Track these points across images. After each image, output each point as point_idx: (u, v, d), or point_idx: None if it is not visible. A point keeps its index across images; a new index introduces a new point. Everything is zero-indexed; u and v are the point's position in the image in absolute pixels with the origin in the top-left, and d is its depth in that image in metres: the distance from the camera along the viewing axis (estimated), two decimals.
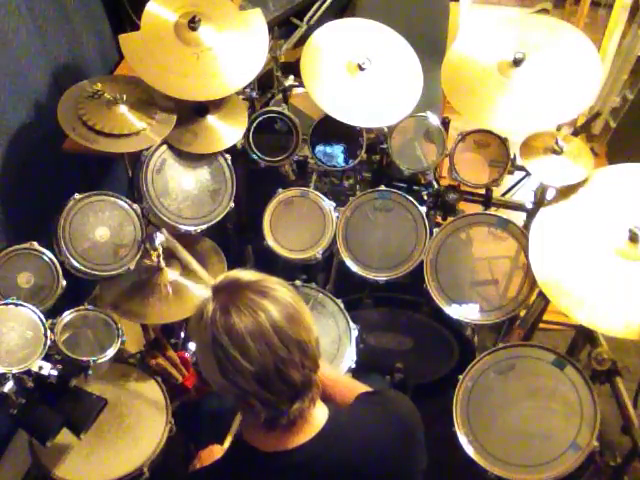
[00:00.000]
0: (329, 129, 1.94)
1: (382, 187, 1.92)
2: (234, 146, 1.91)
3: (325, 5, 2.58)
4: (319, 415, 1.10)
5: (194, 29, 1.80)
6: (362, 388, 1.34)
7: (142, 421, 1.68)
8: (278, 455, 1.06)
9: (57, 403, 1.46)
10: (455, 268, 1.84)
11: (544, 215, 1.70)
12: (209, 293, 1.04)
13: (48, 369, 1.42)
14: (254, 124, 1.94)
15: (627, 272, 1.53)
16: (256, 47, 1.87)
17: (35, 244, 1.59)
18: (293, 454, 1.06)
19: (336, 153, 1.99)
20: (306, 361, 1.01)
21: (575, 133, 1.96)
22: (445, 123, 1.95)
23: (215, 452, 1.45)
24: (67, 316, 1.55)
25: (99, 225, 1.70)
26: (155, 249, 1.75)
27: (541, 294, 1.76)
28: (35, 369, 1.40)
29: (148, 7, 1.80)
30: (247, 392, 1.00)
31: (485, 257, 1.86)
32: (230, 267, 1.92)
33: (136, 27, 1.89)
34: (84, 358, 1.48)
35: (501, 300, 1.79)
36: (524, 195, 2.10)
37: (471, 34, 1.88)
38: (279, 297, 1.01)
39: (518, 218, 1.90)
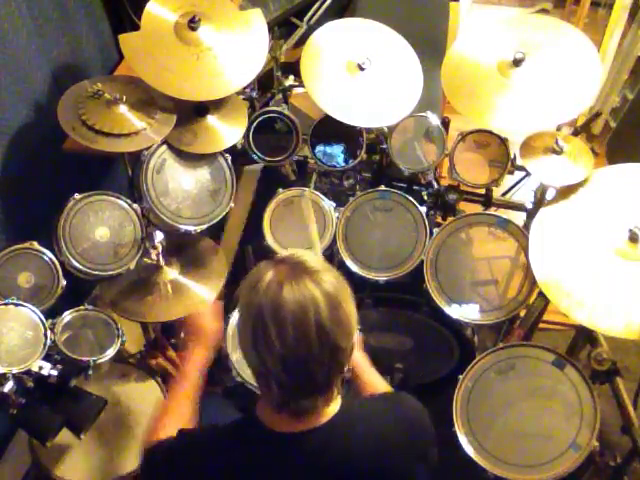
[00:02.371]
0: (329, 129, 1.94)
1: (382, 187, 1.92)
2: (234, 146, 1.91)
3: (325, 5, 2.58)
4: (331, 406, 1.10)
5: (194, 29, 1.80)
6: (384, 387, 1.38)
7: (142, 421, 1.68)
8: (283, 436, 1.07)
9: (57, 403, 1.47)
10: (455, 268, 1.84)
11: (544, 215, 1.70)
12: (272, 261, 1.04)
13: (48, 369, 1.42)
14: (254, 124, 1.94)
15: (627, 272, 1.53)
16: (256, 47, 1.87)
17: (35, 244, 1.59)
18: (300, 437, 1.06)
19: (336, 153, 1.99)
20: (333, 364, 1.01)
21: (575, 133, 1.96)
22: (445, 123, 1.95)
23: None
24: (67, 316, 1.55)
25: (99, 225, 1.70)
26: (154, 247, 1.75)
27: (541, 294, 1.76)
28: (35, 369, 1.40)
29: (148, 7, 1.80)
30: (269, 371, 1.00)
31: (485, 257, 1.86)
32: (230, 267, 1.92)
33: (136, 27, 1.89)
34: (84, 358, 1.49)
35: (501, 300, 1.79)
36: (524, 195, 2.10)
37: (471, 34, 1.89)
38: (333, 295, 0.99)
39: (518, 218, 1.90)
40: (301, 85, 1.99)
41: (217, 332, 1.56)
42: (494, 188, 1.93)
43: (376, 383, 1.40)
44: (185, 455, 1.12)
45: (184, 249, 1.91)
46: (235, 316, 1.90)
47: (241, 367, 1.80)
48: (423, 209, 1.88)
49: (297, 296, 0.97)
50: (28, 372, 1.40)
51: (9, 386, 1.37)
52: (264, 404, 1.10)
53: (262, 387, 1.06)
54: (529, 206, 1.94)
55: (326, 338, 0.98)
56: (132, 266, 1.73)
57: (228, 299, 1.92)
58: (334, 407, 1.10)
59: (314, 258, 1.05)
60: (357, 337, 1.08)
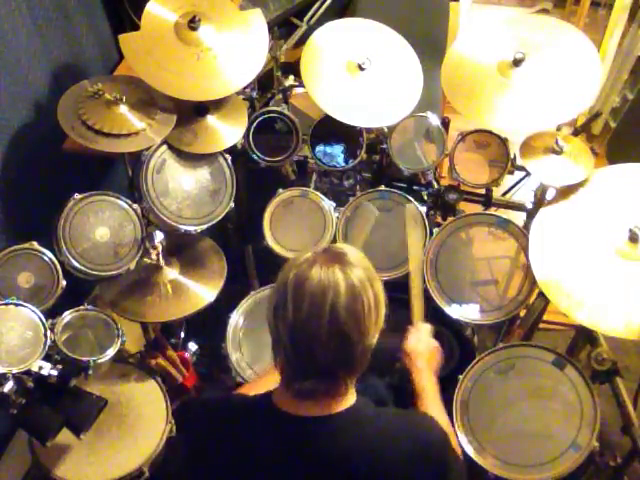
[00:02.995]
0: (329, 129, 1.94)
1: (382, 187, 1.92)
2: (234, 146, 1.91)
3: (325, 5, 2.58)
4: (339, 401, 1.09)
5: (194, 29, 1.80)
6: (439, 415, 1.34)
7: (142, 421, 1.68)
8: (286, 415, 1.09)
9: (57, 403, 1.46)
10: (455, 268, 1.84)
11: (544, 215, 1.70)
12: (321, 247, 1.10)
13: (48, 369, 1.42)
14: (254, 124, 1.94)
15: (627, 272, 1.53)
16: (256, 47, 1.87)
17: (35, 244, 1.59)
18: (300, 421, 1.08)
19: (336, 153, 1.99)
20: (339, 354, 1.03)
21: (575, 133, 1.96)
22: (445, 123, 1.96)
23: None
24: (67, 316, 1.55)
25: (99, 225, 1.70)
26: (154, 247, 1.75)
27: (541, 294, 1.76)
28: (35, 369, 1.40)
29: (148, 7, 1.80)
30: (280, 340, 1.04)
31: (485, 257, 1.86)
32: (230, 267, 1.92)
33: (136, 27, 1.89)
34: (84, 358, 1.48)
35: (501, 300, 1.79)
36: (524, 195, 2.10)
37: (471, 34, 1.89)
38: (357, 289, 1.02)
39: (518, 218, 1.90)
40: (301, 85, 1.99)
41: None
42: (494, 188, 1.94)
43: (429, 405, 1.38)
44: (198, 416, 1.20)
45: (184, 249, 1.92)
46: (235, 317, 1.91)
47: (241, 367, 1.81)
48: (423, 209, 1.88)
49: (322, 277, 1.01)
50: (28, 372, 1.40)
51: (9, 386, 1.37)
52: (280, 384, 1.12)
53: (275, 358, 1.09)
54: (529, 206, 1.95)
55: (337, 325, 1.00)
56: (132, 266, 1.73)
57: (229, 299, 1.92)
58: (344, 402, 1.10)
59: (357, 254, 1.09)
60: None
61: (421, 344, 1.56)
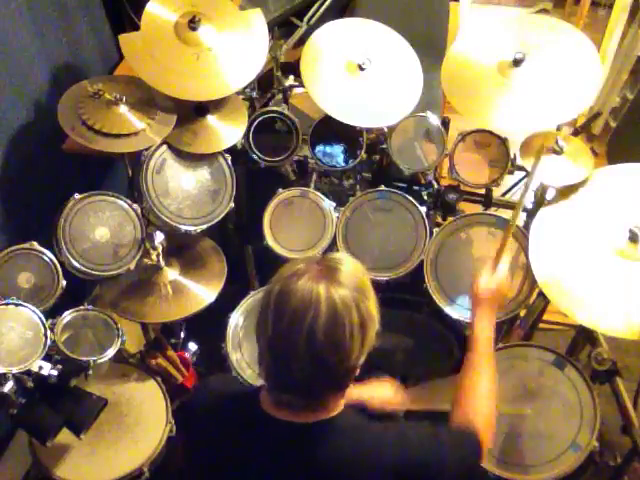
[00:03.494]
0: (329, 129, 1.94)
1: (382, 187, 1.92)
2: (234, 146, 1.91)
3: (325, 5, 2.58)
4: (321, 413, 1.07)
5: (194, 29, 1.80)
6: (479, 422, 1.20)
7: (142, 421, 1.68)
8: (264, 414, 1.08)
9: (57, 403, 1.47)
10: (455, 268, 1.84)
11: (544, 215, 1.70)
12: (316, 257, 1.07)
13: (48, 369, 1.42)
14: (254, 124, 1.94)
15: (627, 272, 1.53)
16: (256, 47, 1.87)
17: (35, 244, 1.59)
18: (278, 423, 1.06)
19: (336, 153, 1.99)
20: (317, 374, 1.00)
21: (575, 133, 1.96)
22: (445, 123, 1.95)
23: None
24: (67, 316, 1.55)
25: (99, 225, 1.70)
26: (155, 248, 1.75)
27: (541, 294, 1.76)
28: (35, 369, 1.40)
29: (148, 7, 1.80)
30: (262, 350, 1.03)
31: (485, 257, 1.85)
32: (230, 267, 1.92)
33: (136, 27, 1.89)
34: (84, 358, 1.49)
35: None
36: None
37: (471, 34, 1.88)
38: (339, 309, 0.97)
39: None
40: (301, 85, 1.99)
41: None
42: (494, 188, 1.93)
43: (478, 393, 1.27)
44: (195, 406, 1.21)
45: (184, 249, 1.92)
46: (235, 316, 1.91)
47: (241, 367, 1.80)
48: (423, 209, 1.88)
49: (305, 294, 0.97)
50: (28, 372, 1.40)
51: (9, 386, 1.37)
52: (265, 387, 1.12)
53: (259, 365, 1.08)
54: (529, 206, 1.94)
55: (313, 348, 0.97)
56: (132, 266, 1.73)
57: (229, 299, 1.92)
58: (323, 414, 1.07)
59: (352, 269, 1.03)
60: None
61: (492, 282, 1.43)
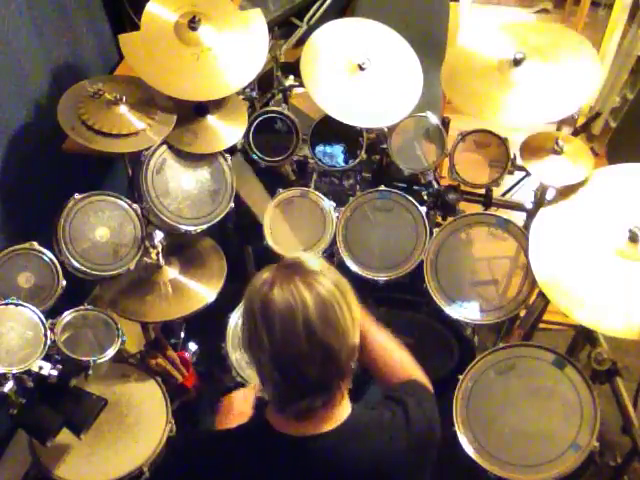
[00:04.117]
0: (329, 129, 1.94)
1: (382, 187, 1.92)
2: (234, 146, 1.91)
3: (325, 5, 2.58)
4: (338, 412, 1.08)
5: (194, 29, 1.80)
6: (413, 370, 1.30)
7: (142, 421, 1.68)
8: (289, 438, 1.06)
9: (57, 403, 1.47)
10: (455, 268, 1.84)
11: (544, 215, 1.70)
12: (275, 264, 1.05)
13: (48, 369, 1.42)
14: (254, 124, 1.94)
15: (627, 272, 1.53)
16: (256, 47, 1.87)
17: (35, 244, 1.59)
18: (304, 441, 1.05)
19: (336, 153, 1.99)
20: (329, 364, 1.00)
21: (575, 133, 1.96)
22: (445, 123, 1.95)
23: (235, 399, 1.44)
24: (67, 316, 1.55)
25: (99, 225, 1.70)
26: (155, 246, 1.75)
27: (541, 294, 1.76)
28: (35, 369, 1.40)
29: (148, 7, 1.80)
30: (263, 369, 1.01)
31: (485, 257, 1.86)
32: (230, 267, 1.92)
33: (136, 27, 1.89)
34: (84, 358, 1.48)
35: (501, 300, 1.79)
36: (524, 195, 2.10)
37: (471, 34, 1.88)
38: (323, 295, 0.99)
39: (518, 218, 1.90)
40: (301, 85, 1.99)
41: (244, 413, 1.42)
42: (494, 188, 1.94)
43: (406, 365, 1.32)
44: (197, 456, 1.13)
45: (184, 249, 1.92)
46: (235, 316, 1.91)
47: (241, 367, 1.80)
48: (423, 209, 1.88)
49: (285, 296, 0.97)
50: (28, 372, 1.40)
51: (9, 386, 1.37)
52: (271, 405, 1.09)
53: (264, 387, 1.06)
54: (529, 206, 1.94)
55: (315, 338, 0.97)
56: (132, 266, 1.73)
57: (229, 299, 1.92)
58: (342, 413, 1.08)
59: (315, 261, 1.05)
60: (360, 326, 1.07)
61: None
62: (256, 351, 1.00)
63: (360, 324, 1.19)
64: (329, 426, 1.06)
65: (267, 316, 0.97)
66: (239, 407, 1.40)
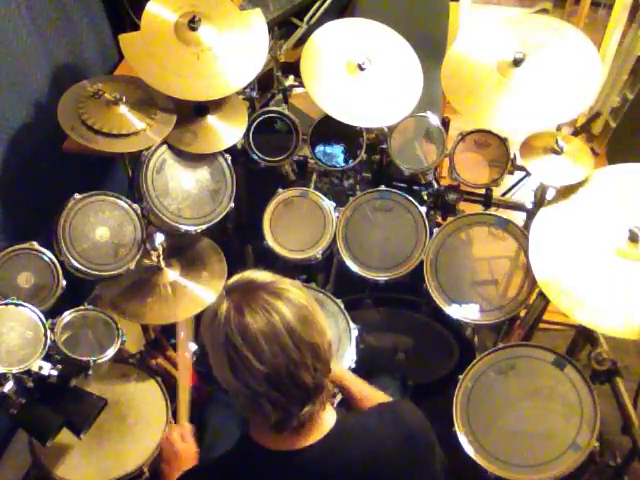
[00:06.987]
0: (329, 129, 1.94)
1: (382, 187, 1.92)
2: (234, 146, 1.91)
3: (325, 5, 2.58)
4: (328, 418, 1.10)
5: (194, 29, 1.80)
6: (381, 397, 1.36)
7: (142, 421, 1.68)
8: (285, 454, 1.06)
9: (57, 403, 1.47)
10: (455, 268, 1.84)
11: (544, 215, 1.70)
12: (223, 292, 1.04)
13: (48, 369, 1.42)
14: (254, 124, 1.94)
15: (627, 272, 1.53)
16: (256, 47, 1.87)
17: (35, 244, 1.59)
18: (300, 454, 1.06)
19: (336, 153, 1.99)
20: (318, 364, 1.01)
21: (575, 133, 1.96)
22: (445, 123, 1.95)
23: (175, 442, 1.43)
24: (67, 316, 1.55)
25: (99, 225, 1.70)
26: (155, 249, 1.75)
27: (541, 294, 1.76)
28: (35, 369, 1.40)
29: (148, 7, 1.80)
30: (258, 393, 0.99)
31: (485, 257, 1.86)
32: (230, 267, 1.92)
33: (136, 27, 1.89)
34: (84, 358, 1.49)
35: (501, 300, 1.79)
36: (524, 195, 2.10)
37: (471, 34, 1.88)
38: (293, 299, 1.00)
39: (518, 218, 1.90)
40: (301, 85, 1.99)
41: (191, 452, 1.44)
42: (494, 188, 1.94)
43: (371, 395, 1.39)
44: None
45: (184, 250, 1.91)
46: None
47: None
48: (423, 209, 1.88)
49: (260, 314, 0.97)
50: (28, 372, 1.40)
51: (9, 386, 1.37)
52: (260, 427, 1.08)
53: (256, 412, 1.04)
54: (529, 206, 1.94)
55: (300, 340, 0.98)
56: (132, 266, 1.73)
57: None
58: (329, 419, 1.09)
59: (262, 273, 1.06)
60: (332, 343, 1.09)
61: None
62: (244, 379, 0.99)
63: (339, 375, 1.37)
64: (319, 434, 1.07)
65: (250, 341, 0.96)
66: (182, 447, 1.41)
